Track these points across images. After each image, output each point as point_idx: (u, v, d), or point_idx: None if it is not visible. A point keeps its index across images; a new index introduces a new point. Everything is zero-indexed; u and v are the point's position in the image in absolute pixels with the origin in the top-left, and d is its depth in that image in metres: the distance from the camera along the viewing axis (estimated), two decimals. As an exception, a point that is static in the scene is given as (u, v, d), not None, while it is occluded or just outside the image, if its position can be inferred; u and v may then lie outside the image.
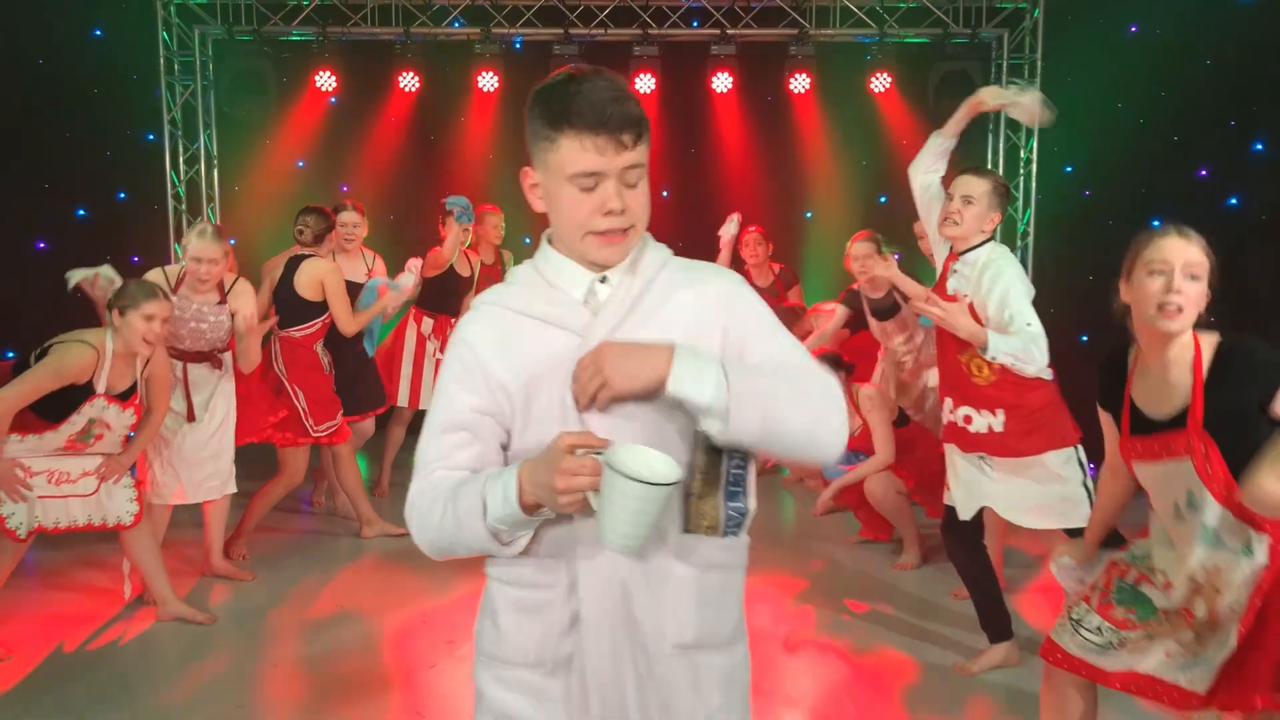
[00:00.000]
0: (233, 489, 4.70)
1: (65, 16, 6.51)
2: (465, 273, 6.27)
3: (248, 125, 7.84)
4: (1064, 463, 3.54)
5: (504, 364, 1.60)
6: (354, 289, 5.40)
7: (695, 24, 7.74)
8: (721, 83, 7.64)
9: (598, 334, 1.58)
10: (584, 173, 1.54)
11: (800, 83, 7.64)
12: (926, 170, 3.96)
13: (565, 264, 1.64)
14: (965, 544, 3.82)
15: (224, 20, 7.62)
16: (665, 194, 8.04)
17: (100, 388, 3.89)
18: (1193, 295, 2.34)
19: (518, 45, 7.88)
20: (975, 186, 3.67)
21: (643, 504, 1.40)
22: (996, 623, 3.83)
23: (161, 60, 7.60)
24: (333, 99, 7.86)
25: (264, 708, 3.55)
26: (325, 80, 7.62)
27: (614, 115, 1.52)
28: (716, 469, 1.55)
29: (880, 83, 7.64)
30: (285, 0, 7.58)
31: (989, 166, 7.99)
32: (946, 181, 3.86)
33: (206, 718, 3.47)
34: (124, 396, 3.98)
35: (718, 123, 8.01)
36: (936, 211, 3.80)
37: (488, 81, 7.60)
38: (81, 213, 6.43)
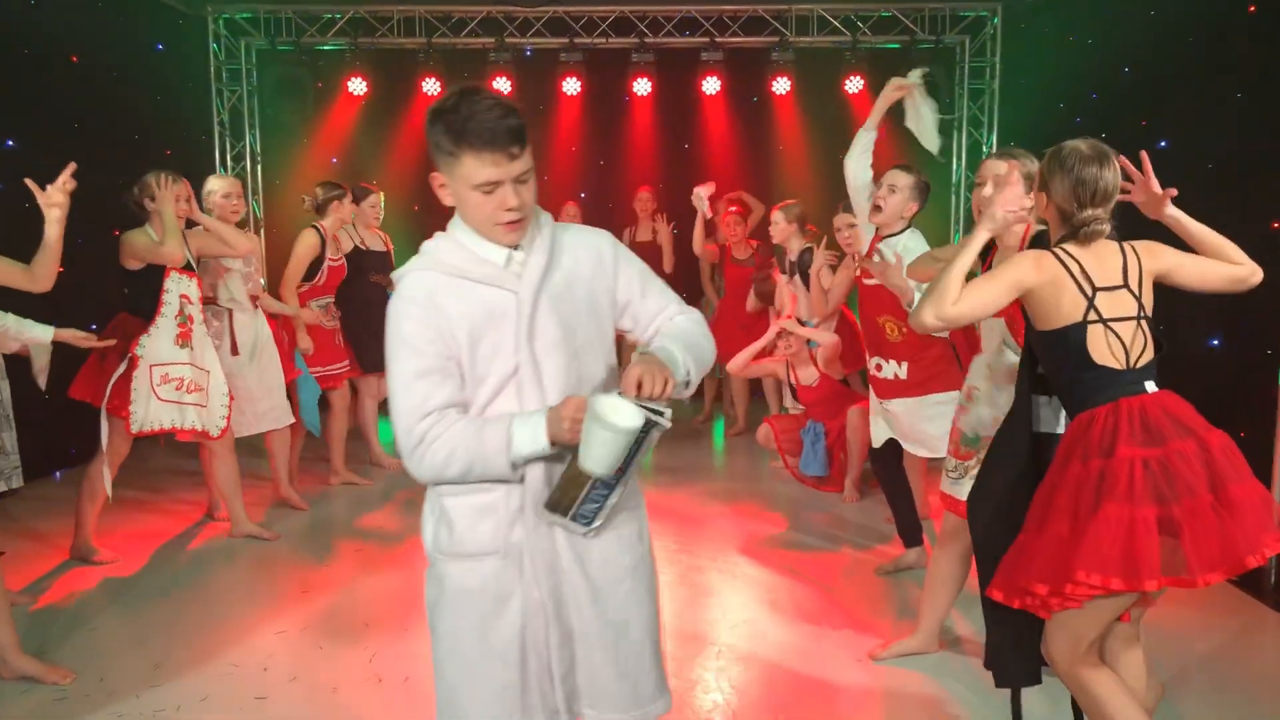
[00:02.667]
0: (290, 419, 5.61)
1: (132, 33, 7.43)
2: None
3: (288, 127, 8.80)
4: (949, 401, 4.39)
5: (453, 314, 1.97)
6: (377, 258, 6.32)
7: (688, 34, 8.61)
8: (711, 85, 8.50)
9: (527, 290, 2.00)
10: (485, 183, 1.92)
11: (781, 85, 8.51)
12: (858, 164, 4.76)
13: (481, 240, 2.04)
14: (887, 466, 4.71)
15: (267, 33, 8.58)
16: (660, 185, 8.95)
17: (167, 260, 4.68)
18: (1006, 196, 3.10)
19: (529, 53, 8.77)
20: (900, 179, 4.52)
21: (609, 438, 1.86)
22: (910, 531, 4.72)
23: (212, 69, 8.58)
24: (363, 102, 8.76)
25: (323, 593, 4.48)
26: (357, 85, 8.54)
27: (502, 133, 1.89)
28: (579, 487, 1.99)
29: (854, 85, 8.49)
30: (321, 14, 8.51)
31: (953, 159, 8.86)
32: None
33: (272, 603, 4.40)
34: (186, 269, 4.80)
35: (707, 121, 8.89)
36: (867, 205, 4.62)
37: (502, 86, 8.49)
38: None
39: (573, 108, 8.77)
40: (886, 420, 4.58)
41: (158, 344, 4.73)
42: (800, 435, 6.02)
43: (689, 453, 7.23)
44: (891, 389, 4.50)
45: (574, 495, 2.00)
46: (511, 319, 2.00)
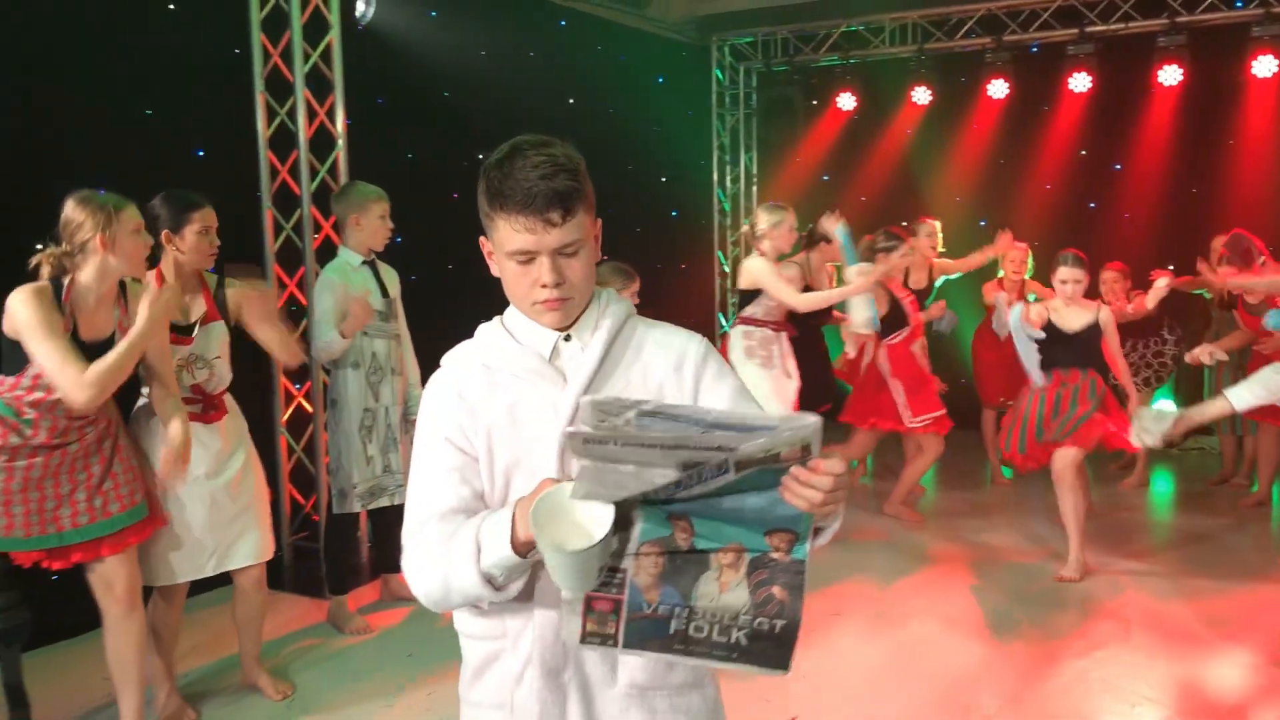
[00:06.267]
0: None
1: (633, 70, 7.99)
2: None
3: (782, 146, 8.86)
4: None
5: (481, 414, 1.66)
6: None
7: (1239, 5, 7.02)
8: (1264, 67, 6.84)
9: (573, 388, 1.64)
10: (518, 251, 1.60)
11: (1371, 57, 6.58)
12: None
13: (529, 323, 1.69)
14: None
15: (764, 54, 8.71)
16: (1194, 190, 7.45)
17: None
18: None
19: (1034, 49, 7.81)
20: None
21: (567, 565, 1.38)
22: None
23: (714, 95, 8.94)
24: (850, 118, 8.52)
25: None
26: (845, 101, 8.33)
27: (539, 196, 1.56)
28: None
29: None
30: (816, 31, 8.43)
31: None
32: None
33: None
34: None
35: (1251, 112, 7.20)
36: None
37: (998, 89, 7.70)
38: (638, 230, 7.85)
39: (1076, 106, 7.65)
40: None
41: None
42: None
43: (1190, 526, 5.91)
44: None
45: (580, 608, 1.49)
46: (547, 421, 1.63)
